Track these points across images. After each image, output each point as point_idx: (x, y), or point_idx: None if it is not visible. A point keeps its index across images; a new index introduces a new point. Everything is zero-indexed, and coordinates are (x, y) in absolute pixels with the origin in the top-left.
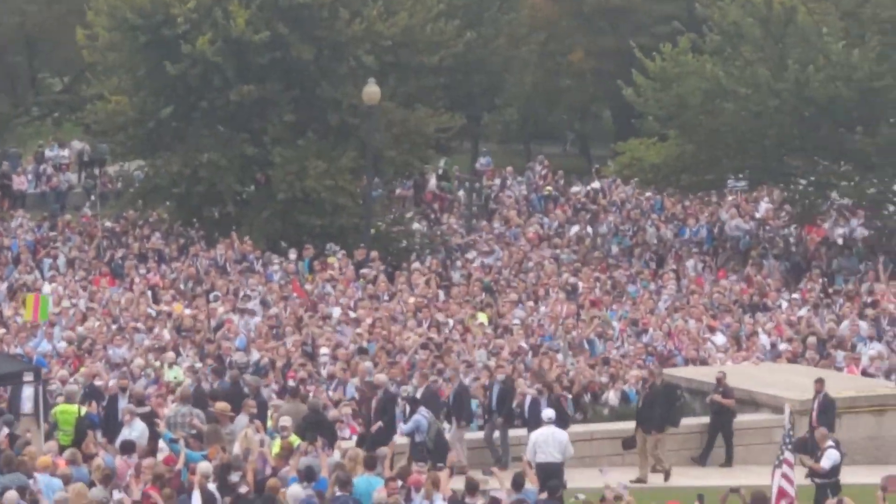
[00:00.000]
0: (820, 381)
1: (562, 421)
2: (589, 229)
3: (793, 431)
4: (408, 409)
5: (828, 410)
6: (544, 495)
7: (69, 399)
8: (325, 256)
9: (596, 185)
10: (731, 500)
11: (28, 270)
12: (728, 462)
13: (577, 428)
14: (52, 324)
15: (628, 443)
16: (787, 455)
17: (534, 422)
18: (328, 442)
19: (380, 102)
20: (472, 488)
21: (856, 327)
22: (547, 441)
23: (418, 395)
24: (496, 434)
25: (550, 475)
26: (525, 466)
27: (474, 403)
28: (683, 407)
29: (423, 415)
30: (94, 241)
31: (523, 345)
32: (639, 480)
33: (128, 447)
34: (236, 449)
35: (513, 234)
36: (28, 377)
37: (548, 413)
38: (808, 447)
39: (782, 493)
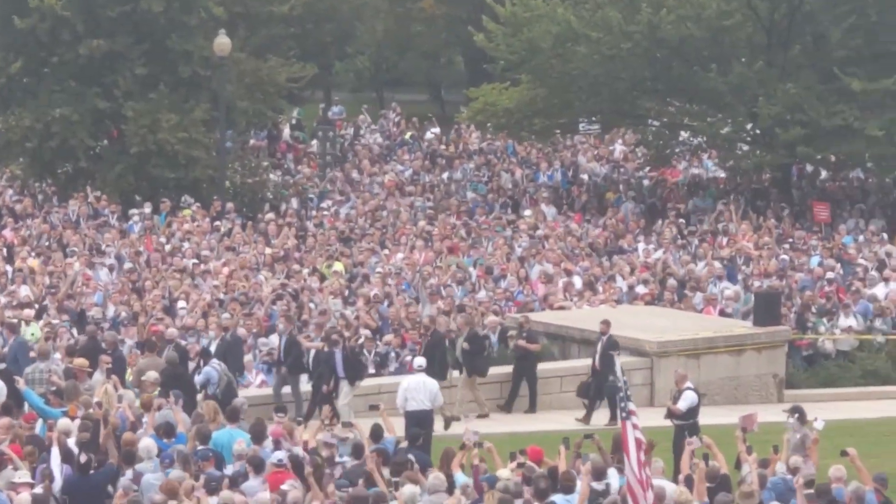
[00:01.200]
0: (605, 323)
1: (353, 371)
2: (444, 176)
3: (626, 381)
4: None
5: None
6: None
7: None
8: (180, 209)
9: (436, 129)
10: (585, 446)
11: None
12: (532, 408)
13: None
14: None
15: None
16: (631, 406)
17: (326, 373)
18: (188, 396)
19: (231, 53)
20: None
21: (712, 268)
22: (418, 389)
23: (212, 347)
24: (286, 387)
25: (421, 423)
26: (382, 415)
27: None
28: (490, 356)
29: (213, 367)
30: None
31: (377, 292)
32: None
33: None
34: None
35: (368, 182)
36: None
37: (419, 361)
38: (588, 392)
39: (639, 443)
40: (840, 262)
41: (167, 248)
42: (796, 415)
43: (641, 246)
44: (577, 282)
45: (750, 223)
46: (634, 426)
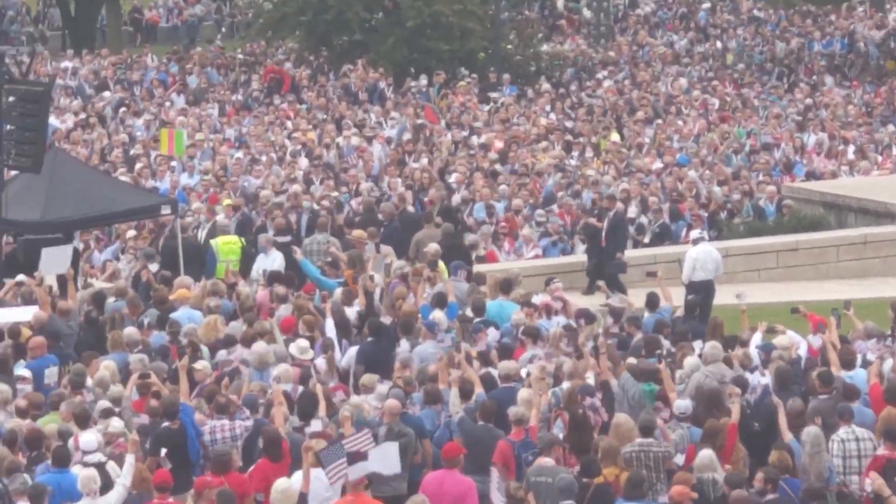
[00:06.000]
0: (611, 199)
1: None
2: (718, 45)
3: None
4: None
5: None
6: None
7: (224, 231)
8: (456, 81)
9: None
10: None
11: (160, 104)
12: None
13: None
14: (190, 157)
15: None
16: None
17: None
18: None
19: None
20: None
21: None
22: (706, 259)
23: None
24: None
25: (704, 292)
26: (659, 283)
27: None
28: None
29: None
30: (233, 75)
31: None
32: None
33: (275, 277)
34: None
35: (643, 53)
36: (166, 210)
37: (699, 232)
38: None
39: None
40: None
41: (442, 121)
42: None
43: None
44: (850, 151)
45: None
46: None
